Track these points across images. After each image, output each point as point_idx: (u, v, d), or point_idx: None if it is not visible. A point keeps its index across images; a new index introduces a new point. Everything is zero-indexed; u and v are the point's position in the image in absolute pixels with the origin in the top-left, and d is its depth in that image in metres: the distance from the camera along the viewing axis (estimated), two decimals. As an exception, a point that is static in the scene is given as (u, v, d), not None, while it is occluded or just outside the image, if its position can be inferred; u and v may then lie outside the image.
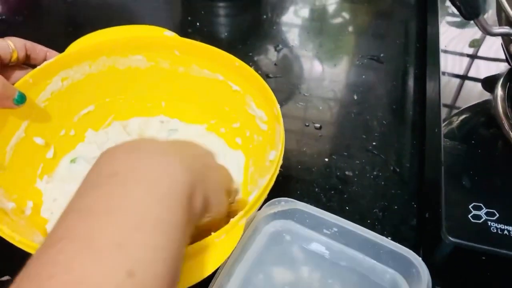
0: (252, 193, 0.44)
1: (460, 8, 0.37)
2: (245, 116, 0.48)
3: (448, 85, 0.53)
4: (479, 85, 0.54)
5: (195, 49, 0.47)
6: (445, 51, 0.58)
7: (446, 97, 0.52)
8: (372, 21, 0.75)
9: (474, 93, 0.53)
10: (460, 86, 0.54)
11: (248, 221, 0.39)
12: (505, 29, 0.37)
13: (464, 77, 0.55)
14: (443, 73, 0.54)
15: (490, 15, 0.58)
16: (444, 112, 0.49)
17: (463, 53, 0.59)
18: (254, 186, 0.45)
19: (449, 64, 0.56)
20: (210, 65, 0.48)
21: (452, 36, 0.60)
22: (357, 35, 0.72)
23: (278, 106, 0.42)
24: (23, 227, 0.40)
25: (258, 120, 0.47)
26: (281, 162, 0.39)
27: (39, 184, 0.46)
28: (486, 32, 0.39)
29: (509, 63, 0.42)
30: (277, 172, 0.38)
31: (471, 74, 0.56)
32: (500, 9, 0.38)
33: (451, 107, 0.51)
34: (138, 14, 0.73)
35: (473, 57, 0.58)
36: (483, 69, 0.57)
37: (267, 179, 0.37)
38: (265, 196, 0.37)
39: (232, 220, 0.34)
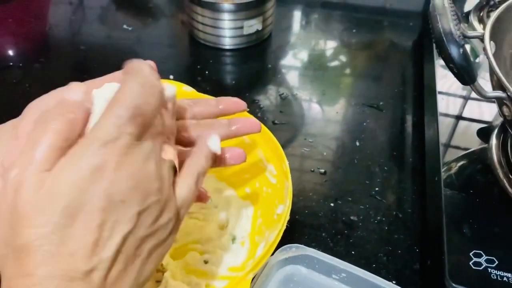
0: (260, 245, 0.46)
1: (458, 75, 0.41)
2: (256, 168, 0.50)
3: (446, 127, 0.56)
4: (475, 126, 0.57)
5: None
6: (442, 93, 0.61)
7: (445, 139, 0.55)
8: (371, 67, 0.79)
9: (472, 136, 0.56)
10: (455, 127, 0.57)
11: (261, 267, 0.41)
12: (498, 93, 0.41)
13: (460, 118, 0.58)
14: (441, 114, 0.57)
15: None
16: (443, 159, 0.52)
17: (460, 95, 0.62)
18: (261, 237, 0.47)
19: (446, 106, 0.59)
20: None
21: (449, 79, 0.63)
22: (357, 81, 0.76)
23: (287, 162, 0.44)
24: None
25: (267, 173, 0.48)
26: (288, 217, 0.40)
27: None
28: (481, 95, 0.42)
29: (504, 118, 0.45)
30: (284, 227, 0.40)
31: (468, 115, 0.59)
32: (492, 73, 0.41)
33: (449, 147, 0.54)
34: (149, 62, 0.77)
35: (468, 98, 0.62)
36: (479, 110, 0.60)
37: (275, 235, 0.39)
38: (272, 250, 0.39)
39: (239, 274, 0.36)
